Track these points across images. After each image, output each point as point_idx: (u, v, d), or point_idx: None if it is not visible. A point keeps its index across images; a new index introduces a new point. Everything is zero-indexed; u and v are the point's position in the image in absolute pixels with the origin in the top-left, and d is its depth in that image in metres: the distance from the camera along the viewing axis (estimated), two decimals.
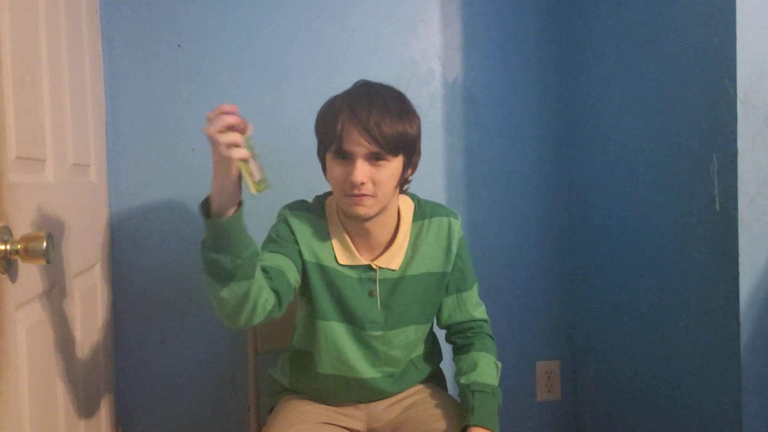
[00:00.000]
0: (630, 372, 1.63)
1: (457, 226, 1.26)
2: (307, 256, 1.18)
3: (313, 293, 1.18)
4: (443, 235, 1.24)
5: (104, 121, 1.61)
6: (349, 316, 1.20)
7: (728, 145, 1.25)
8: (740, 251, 1.24)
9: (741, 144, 1.23)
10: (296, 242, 1.18)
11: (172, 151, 1.66)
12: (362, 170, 1.07)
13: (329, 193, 1.26)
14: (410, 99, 1.74)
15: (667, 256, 1.47)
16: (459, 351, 1.29)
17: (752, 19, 1.22)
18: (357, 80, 1.20)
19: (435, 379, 1.36)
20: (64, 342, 1.20)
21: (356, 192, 1.09)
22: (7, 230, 0.90)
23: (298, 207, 1.23)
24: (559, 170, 1.89)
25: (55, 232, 0.95)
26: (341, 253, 1.19)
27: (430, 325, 1.30)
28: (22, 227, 0.95)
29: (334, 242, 1.20)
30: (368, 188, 1.09)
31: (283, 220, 1.21)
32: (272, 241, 1.17)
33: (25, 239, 0.89)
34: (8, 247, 0.88)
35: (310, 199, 1.30)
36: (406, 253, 1.22)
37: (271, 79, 1.70)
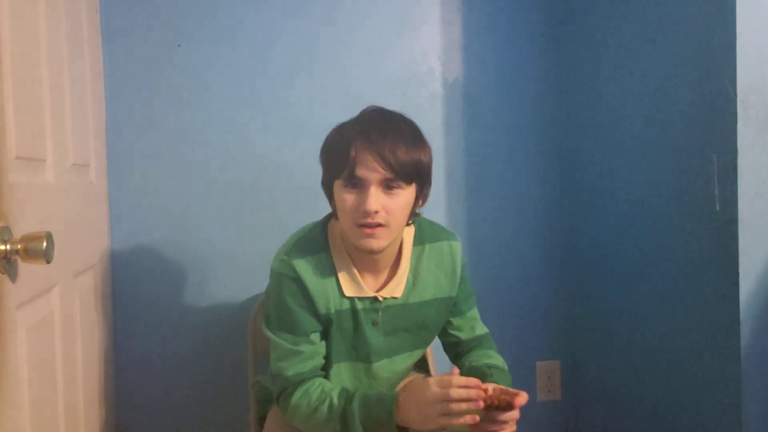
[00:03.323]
0: (630, 372, 1.63)
1: (458, 249, 1.23)
2: (323, 310, 1.13)
3: (328, 341, 1.16)
4: (446, 261, 1.21)
5: (104, 121, 1.61)
6: (356, 353, 1.18)
7: (728, 145, 1.25)
8: (740, 251, 1.24)
9: (741, 144, 1.23)
10: (311, 300, 1.12)
11: (172, 151, 1.66)
12: (376, 198, 1.02)
13: (329, 218, 1.20)
14: (410, 99, 1.78)
15: (667, 256, 1.47)
16: (467, 351, 1.28)
17: (752, 19, 1.22)
18: (366, 106, 1.15)
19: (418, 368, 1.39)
20: (64, 342, 1.19)
21: (369, 221, 1.03)
22: (7, 230, 0.89)
23: (301, 251, 1.14)
24: (559, 170, 1.89)
25: (55, 232, 0.95)
26: (347, 285, 1.14)
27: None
28: (22, 227, 0.95)
29: (341, 275, 1.14)
30: (381, 217, 1.04)
31: (291, 277, 1.12)
32: (289, 320, 1.12)
33: (25, 239, 0.89)
34: (8, 247, 0.88)
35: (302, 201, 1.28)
36: (408, 279, 1.18)
37: (271, 79, 1.70)
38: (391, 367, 1.21)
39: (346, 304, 1.15)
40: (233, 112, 1.69)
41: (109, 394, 1.57)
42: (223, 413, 1.71)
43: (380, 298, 1.16)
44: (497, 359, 1.25)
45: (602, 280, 1.75)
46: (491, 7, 1.83)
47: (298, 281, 1.12)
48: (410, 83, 1.78)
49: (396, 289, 1.17)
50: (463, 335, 1.27)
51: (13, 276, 0.93)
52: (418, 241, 1.21)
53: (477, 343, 1.29)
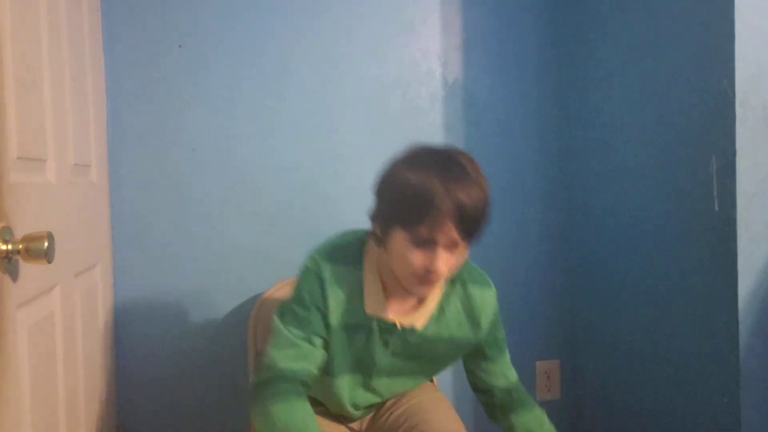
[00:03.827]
0: (630, 372, 1.64)
1: (491, 298, 1.19)
2: (333, 320, 1.11)
3: (331, 351, 1.14)
4: (476, 306, 1.17)
5: (105, 121, 1.62)
6: (357, 366, 1.17)
7: (727, 145, 1.25)
8: (739, 251, 1.24)
9: (740, 144, 1.23)
10: (326, 306, 1.10)
11: (173, 151, 1.67)
12: (444, 259, 1.00)
13: (365, 234, 1.15)
14: (410, 99, 1.79)
15: (666, 256, 1.47)
16: (511, 407, 1.25)
17: (751, 20, 1.23)
18: (439, 147, 1.06)
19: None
20: (65, 342, 1.20)
21: (432, 278, 1.01)
22: (8, 230, 0.90)
23: (336, 259, 1.12)
24: (559, 170, 1.89)
25: (56, 232, 0.95)
26: (371, 304, 1.12)
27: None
28: (23, 227, 0.95)
29: (367, 294, 1.12)
30: (445, 275, 1.03)
31: (317, 277, 1.11)
32: (301, 315, 1.10)
33: (26, 239, 0.90)
34: (9, 247, 0.88)
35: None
36: (432, 313, 1.15)
37: (272, 80, 1.71)
38: (390, 385, 1.21)
39: (364, 321, 1.12)
40: (233, 113, 1.69)
41: (110, 394, 1.58)
42: (223, 414, 1.71)
43: (398, 325, 1.12)
44: (547, 422, 1.22)
45: (602, 280, 1.75)
46: (491, 7, 1.84)
47: (321, 284, 1.11)
48: (410, 83, 1.79)
49: (419, 319, 1.14)
50: (498, 382, 1.24)
51: (14, 276, 0.93)
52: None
53: (519, 398, 1.25)
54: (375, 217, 1.08)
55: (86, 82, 1.44)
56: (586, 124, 1.80)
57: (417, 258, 1.00)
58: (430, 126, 1.80)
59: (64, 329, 1.19)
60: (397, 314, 1.13)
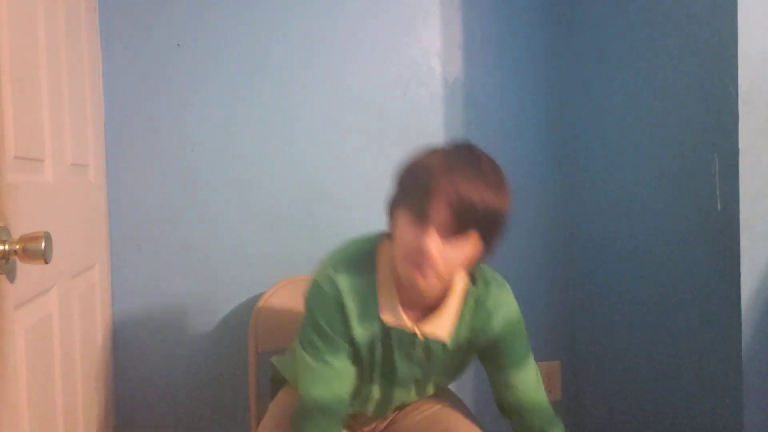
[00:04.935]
0: (630, 372, 1.63)
1: (507, 302, 1.18)
2: (357, 336, 1.07)
3: (356, 365, 1.11)
4: (488, 304, 1.14)
5: (103, 120, 1.61)
6: (383, 377, 1.14)
7: (730, 144, 1.24)
8: (741, 251, 1.24)
9: (742, 143, 1.23)
10: (347, 326, 1.06)
11: (171, 151, 1.66)
12: (436, 241, 0.95)
13: (381, 236, 1.11)
14: (410, 99, 1.78)
15: (668, 256, 1.46)
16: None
17: (754, 18, 1.22)
18: (460, 141, 1.06)
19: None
20: (63, 342, 1.19)
21: (422, 261, 0.96)
22: (6, 230, 0.89)
23: (348, 267, 1.07)
24: (560, 170, 1.89)
25: (53, 232, 0.94)
26: (387, 313, 1.07)
27: None
28: (20, 227, 0.95)
29: (381, 300, 1.07)
30: (437, 264, 0.96)
31: (333, 299, 1.06)
32: (322, 343, 1.06)
33: (24, 239, 0.89)
34: (6, 247, 0.88)
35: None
36: (456, 324, 1.11)
37: (271, 79, 1.70)
38: (412, 393, 1.20)
39: (384, 330, 1.08)
40: (232, 112, 1.68)
41: (108, 395, 1.57)
42: (223, 414, 1.70)
43: (420, 336, 1.08)
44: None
45: (602, 280, 1.75)
46: (491, 6, 1.83)
47: (338, 304, 1.06)
48: (410, 83, 1.78)
49: (439, 327, 1.08)
50: (516, 398, 1.22)
51: (11, 276, 0.92)
52: (475, 283, 1.14)
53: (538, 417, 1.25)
54: (388, 202, 1.06)
55: (84, 81, 1.43)
56: (587, 123, 1.79)
57: (410, 233, 0.97)
58: (431, 125, 1.79)
59: (61, 330, 1.18)
60: (417, 320, 1.08)
